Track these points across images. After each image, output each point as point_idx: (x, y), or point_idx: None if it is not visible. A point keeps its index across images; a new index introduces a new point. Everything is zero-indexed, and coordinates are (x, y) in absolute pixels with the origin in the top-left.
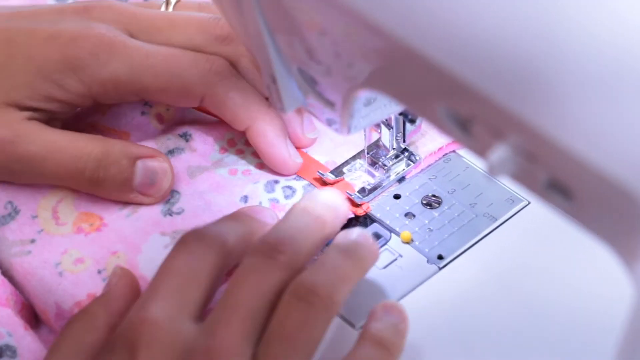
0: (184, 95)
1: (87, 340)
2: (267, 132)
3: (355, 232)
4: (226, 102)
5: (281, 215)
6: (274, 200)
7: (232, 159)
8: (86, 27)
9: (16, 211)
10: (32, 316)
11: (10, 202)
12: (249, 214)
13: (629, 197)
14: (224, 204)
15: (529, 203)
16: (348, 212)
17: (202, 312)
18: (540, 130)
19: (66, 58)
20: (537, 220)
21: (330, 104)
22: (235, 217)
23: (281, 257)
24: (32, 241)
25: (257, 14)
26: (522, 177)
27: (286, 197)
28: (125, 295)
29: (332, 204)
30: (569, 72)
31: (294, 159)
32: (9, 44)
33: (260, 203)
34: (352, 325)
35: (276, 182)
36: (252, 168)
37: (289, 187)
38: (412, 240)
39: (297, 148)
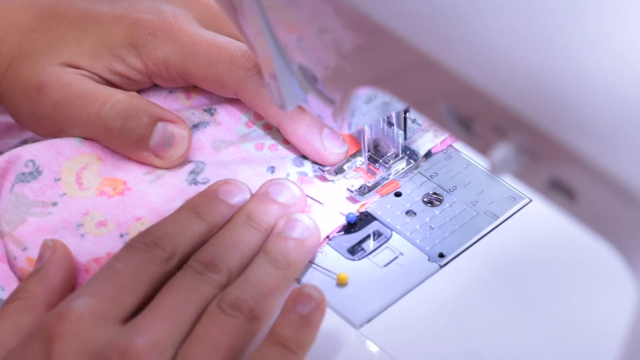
0: (219, 86)
1: (25, 321)
2: (297, 128)
3: (296, 227)
4: (255, 98)
5: (308, 188)
6: (303, 174)
7: (258, 133)
8: (155, 9)
9: (38, 171)
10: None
11: (32, 161)
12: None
13: (633, 196)
14: (251, 174)
15: (531, 201)
16: (303, 203)
17: (129, 319)
18: (543, 129)
19: (129, 36)
20: (539, 218)
21: (330, 101)
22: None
23: (214, 277)
24: (54, 204)
25: (257, 11)
26: (525, 176)
27: (315, 171)
28: (61, 271)
29: (283, 203)
30: (574, 72)
31: (330, 151)
32: (85, 21)
33: (288, 175)
34: (352, 324)
35: (305, 157)
36: (279, 143)
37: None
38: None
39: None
